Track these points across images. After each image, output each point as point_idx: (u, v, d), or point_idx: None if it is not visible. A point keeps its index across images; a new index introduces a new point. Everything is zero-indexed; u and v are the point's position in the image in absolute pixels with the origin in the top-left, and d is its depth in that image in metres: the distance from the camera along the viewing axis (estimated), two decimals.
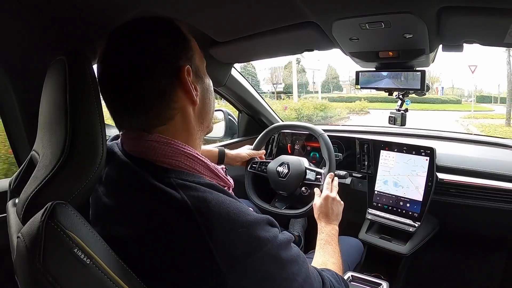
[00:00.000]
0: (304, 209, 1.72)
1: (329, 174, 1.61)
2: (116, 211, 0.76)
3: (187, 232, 0.67)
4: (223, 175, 0.88)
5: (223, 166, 0.93)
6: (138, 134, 0.78)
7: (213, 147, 1.80)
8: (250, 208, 0.78)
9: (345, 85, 41.23)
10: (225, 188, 0.83)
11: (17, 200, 0.80)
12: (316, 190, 1.57)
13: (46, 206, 0.61)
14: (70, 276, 0.58)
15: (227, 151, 1.83)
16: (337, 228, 1.39)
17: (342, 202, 1.50)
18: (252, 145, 2.06)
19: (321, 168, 1.79)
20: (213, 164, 0.85)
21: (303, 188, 1.84)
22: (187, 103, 0.81)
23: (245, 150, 1.97)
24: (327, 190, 1.52)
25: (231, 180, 0.92)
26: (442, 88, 36.20)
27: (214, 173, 0.84)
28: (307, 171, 1.77)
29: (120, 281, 0.63)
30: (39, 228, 0.58)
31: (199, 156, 0.81)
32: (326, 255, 1.22)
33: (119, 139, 0.86)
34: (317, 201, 1.49)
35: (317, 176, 1.73)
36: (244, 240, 0.69)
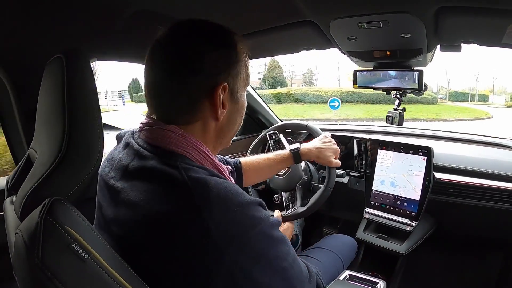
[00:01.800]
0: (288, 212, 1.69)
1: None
2: (122, 193, 0.78)
3: (186, 210, 0.70)
4: (226, 175, 0.90)
5: (229, 166, 0.95)
6: (157, 123, 0.83)
7: (285, 152, 1.55)
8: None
9: (288, 80, 37.52)
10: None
11: (14, 198, 0.80)
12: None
13: (44, 202, 0.62)
14: (69, 271, 0.59)
15: (302, 148, 1.54)
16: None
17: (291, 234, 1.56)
18: (251, 144, 2.04)
19: (319, 171, 1.79)
20: (220, 164, 0.88)
21: (276, 196, 1.83)
22: (211, 116, 0.84)
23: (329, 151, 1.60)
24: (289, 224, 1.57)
25: (233, 182, 0.94)
26: None
27: (219, 171, 0.86)
28: (291, 193, 1.75)
29: (118, 275, 0.64)
30: (37, 223, 0.59)
31: (208, 154, 0.84)
32: None
33: (138, 127, 0.89)
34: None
35: (289, 204, 1.73)
36: (240, 218, 0.72)
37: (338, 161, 1.55)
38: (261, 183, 1.87)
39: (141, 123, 0.87)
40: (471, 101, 30.44)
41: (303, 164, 1.76)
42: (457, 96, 31.93)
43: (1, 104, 1.36)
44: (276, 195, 1.83)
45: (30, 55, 1.21)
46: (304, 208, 1.62)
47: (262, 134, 1.96)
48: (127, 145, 0.87)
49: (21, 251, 0.59)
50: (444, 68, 31.47)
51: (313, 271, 0.95)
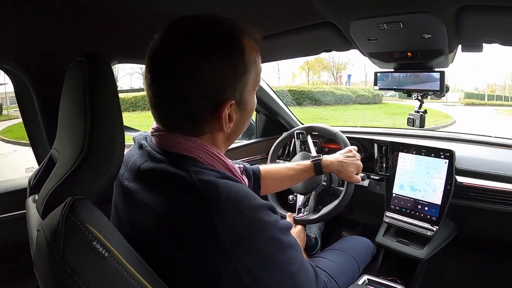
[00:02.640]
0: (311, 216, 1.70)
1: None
2: (137, 194, 0.79)
3: (196, 213, 0.71)
4: (238, 174, 0.89)
5: (241, 165, 0.95)
6: (167, 131, 0.83)
7: (306, 162, 1.53)
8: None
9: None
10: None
11: (36, 197, 0.82)
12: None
13: (66, 200, 0.63)
14: (89, 268, 0.60)
15: (324, 160, 1.51)
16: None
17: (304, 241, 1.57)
18: (271, 146, 2.05)
19: None
20: (231, 163, 0.88)
21: (290, 196, 1.86)
22: (217, 130, 0.83)
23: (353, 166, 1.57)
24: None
25: (246, 181, 0.95)
26: (349, 76, 27.19)
27: (231, 172, 0.86)
28: (306, 196, 1.76)
29: (137, 274, 0.65)
30: (59, 221, 0.60)
31: (220, 156, 0.84)
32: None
33: (150, 132, 0.89)
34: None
35: (300, 208, 1.75)
36: (249, 222, 0.72)
37: (359, 178, 1.54)
38: None
39: (152, 128, 0.87)
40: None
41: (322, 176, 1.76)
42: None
43: (24, 105, 1.39)
44: (291, 195, 1.83)
45: (52, 59, 1.24)
46: (315, 216, 1.64)
47: (290, 131, 1.98)
48: (141, 146, 0.88)
49: (43, 248, 0.60)
50: None
51: (319, 272, 0.94)
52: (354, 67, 30.26)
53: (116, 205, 0.88)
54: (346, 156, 1.52)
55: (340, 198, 1.63)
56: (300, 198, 1.78)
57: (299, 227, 1.55)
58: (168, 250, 0.73)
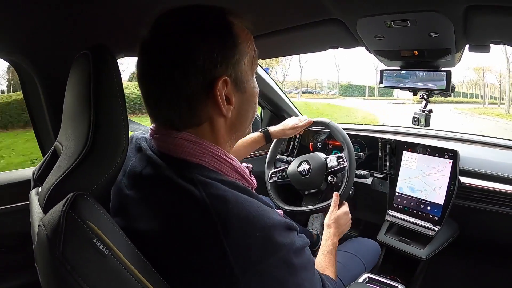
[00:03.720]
0: (326, 202, 1.71)
1: (335, 194, 1.59)
2: (138, 204, 0.77)
3: (203, 230, 0.67)
4: (247, 176, 0.86)
5: (250, 165, 0.92)
6: (167, 131, 0.78)
7: (256, 134, 1.84)
8: (274, 209, 0.78)
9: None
10: (249, 188, 0.81)
11: (40, 189, 0.82)
12: (335, 194, 1.58)
13: (67, 196, 0.63)
14: (89, 265, 0.60)
15: (270, 129, 1.87)
16: (338, 243, 1.40)
17: (350, 224, 1.54)
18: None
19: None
20: (240, 165, 0.83)
21: (329, 178, 1.81)
22: (217, 114, 0.78)
23: (291, 122, 1.94)
24: (346, 207, 1.56)
25: (255, 181, 0.90)
26: (267, 69, 23.47)
27: (240, 174, 0.83)
28: (327, 160, 1.79)
29: (137, 273, 0.64)
30: (60, 218, 0.59)
31: (226, 158, 0.80)
32: (327, 262, 1.22)
33: (148, 133, 0.86)
34: (337, 209, 1.52)
35: (339, 161, 1.75)
36: (260, 244, 0.68)
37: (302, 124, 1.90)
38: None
39: (151, 129, 0.83)
40: (369, 95, 28.63)
41: (323, 155, 1.83)
42: (352, 91, 29.82)
43: (30, 97, 1.40)
44: (329, 177, 1.82)
45: (58, 51, 1.24)
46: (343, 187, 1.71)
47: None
48: (139, 149, 0.84)
49: (43, 243, 0.60)
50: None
51: (327, 284, 0.91)
52: (293, 62, 28.88)
53: (115, 213, 0.82)
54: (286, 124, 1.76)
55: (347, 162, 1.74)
56: (331, 162, 1.81)
57: (341, 210, 1.52)
58: (172, 264, 0.70)
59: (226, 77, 0.74)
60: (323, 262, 1.22)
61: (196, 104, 0.75)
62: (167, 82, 0.74)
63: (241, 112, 0.82)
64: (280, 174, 1.95)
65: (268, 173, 1.99)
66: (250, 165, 0.93)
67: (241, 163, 0.87)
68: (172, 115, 0.77)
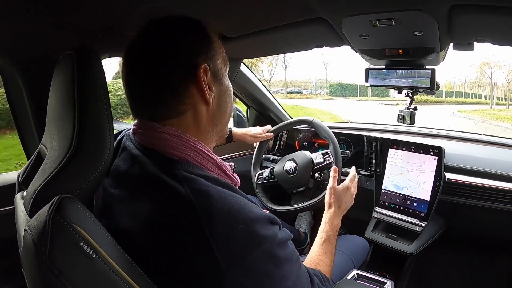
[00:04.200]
0: (314, 200, 1.74)
1: (333, 168, 1.56)
2: (124, 203, 0.77)
3: (189, 226, 0.69)
4: (230, 173, 0.88)
5: (232, 163, 0.94)
6: (150, 125, 0.80)
7: None
8: (255, 203, 0.79)
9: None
10: (231, 184, 0.84)
11: (25, 193, 0.80)
12: (333, 169, 1.55)
13: (53, 199, 0.62)
14: (76, 269, 0.59)
15: (234, 129, 1.92)
16: (340, 223, 1.38)
17: (353, 199, 1.50)
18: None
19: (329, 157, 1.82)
20: (222, 161, 0.86)
21: (316, 174, 1.83)
22: (200, 101, 0.82)
23: (254, 130, 2.03)
24: (350, 181, 1.51)
25: (238, 178, 0.92)
26: None
27: (222, 170, 0.85)
28: (313, 156, 1.81)
29: (125, 275, 0.64)
30: (45, 221, 0.59)
31: (208, 153, 0.82)
32: (322, 254, 1.21)
33: (131, 130, 0.87)
34: (336, 186, 1.46)
35: (325, 157, 1.77)
36: (244, 236, 0.70)
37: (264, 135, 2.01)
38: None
39: (134, 125, 0.86)
40: (362, 95, 28.39)
41: (308, 152, 1.86)
42: (343, 90, 29.50)
43: (14, 100, 1.37)
44: (317, 173, 1.83)
45: (42, 52, 1.22)
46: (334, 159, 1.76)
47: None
48: (124, 149, 0.85)
49: (29, 248, 0.59)
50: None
51: (316, 282, 0.93)
52: (280, 60, 28.90)
53: (99, 214, 0.82)
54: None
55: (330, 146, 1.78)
56: (317, 158, 1.83)
57: (342, 185, 1.48)
58: (159, 261, 0.71)
59: (206, 65, 0.81)
60: (318, 254, 1.21)
61: (181, 90, 0.80)
62: (154, 76, 0.79)
63: (221, 103, 0.88)
64: (267, 175, 1.96)
65: (254, 174, 2.01)
66: (232, 163, 0.95)
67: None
68: (157, 106, 0.81)
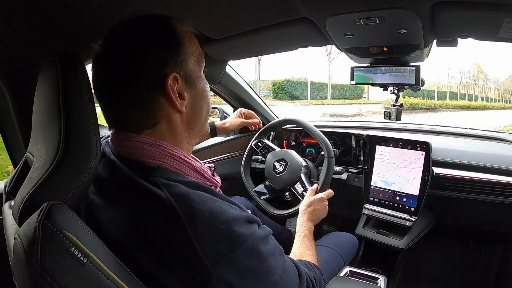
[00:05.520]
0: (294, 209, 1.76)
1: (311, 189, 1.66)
2: (106, 210, 0.77)
3: (172, 230, 0.70)
4: (209, 175, 0.89)
5: (211, 165, 0.95)
6: (126, 134, 0.80)
7: None
8: (235, 205, 0.81)
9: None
10: (212, 187, 0.86)
11: (13, 202, 0.80)
12: (313, 186, 1.65)
13: (42, 206, 0.62)
14: (68, 275, 0.59)
15: (217, 123, 1.84)
16: (313, 228, 1.45)
17: (326, 210, 1.58)
18: (249, 142, 2.09)
19: (318, 168, 1.86)
20: (199, 164, 0.87)
21: (286, 194, 1.88)
22: (172, 111, 0.81)
23: (239, 119, 1.96)
24: (325, 194, 1.60)
25: (219, 179, 0.94)
26: None
27: (200, 173, 0.86)
28: (299, 181, 1.81)
29: (117, 279, 0.64)
30: (35, 228, 0.59)
31: (185, 158, 0.83)
32: (304, 247, 1.27)
33: (109, 138, 0.87)
34: (311, 195, 1.60)
35: (303, 192, 1.76)
36: (226, 236, 0.72)
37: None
38: (268, 192, 1.96)
39: (111, 134, 0.85)
40: (315, 98, 24.74)
41: (299, 156, 1.85)
42: (292, 89, 24.51)
43: None
44: (286, 193, 1.86)
45: (26, 58, 1.20)
46: (320, 185, 1.71)
47: (248, 147, 2.08)
48: (103, 155, 0.84)
49: (20, 256, 0.59)
50: None
51: (303, 271, 0.95)
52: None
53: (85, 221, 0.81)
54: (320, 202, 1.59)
55: (325, 154, 1.77)
56: (297, 187, 1.82)
57: (316, 196, 1.58)
58: (146, 264, 0.71)
59: (175, 74, 0.79)
60: (301, 248, 1.27)
61: (151, 103, 0.78)
62: (121, 89, 0.77)
63: (195, 107, 0.86)
64: (262, 150, 2.03)
65: (252, 191, 2.01)
66: (212, 165, 0.97)
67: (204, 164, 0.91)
68: (129, 119, 0.80)
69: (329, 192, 1.65)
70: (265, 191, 1.96)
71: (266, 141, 2.02)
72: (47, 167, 0.69)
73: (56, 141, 0.70)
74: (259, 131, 2.07)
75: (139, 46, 0.77)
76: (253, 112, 1.90)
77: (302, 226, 1.41)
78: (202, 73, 0.89)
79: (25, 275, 0.58)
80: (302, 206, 1.54)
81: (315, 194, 1.62)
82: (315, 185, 1.70)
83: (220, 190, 0.93)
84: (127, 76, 0.76)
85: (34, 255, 0.57)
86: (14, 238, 0.62)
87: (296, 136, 2.30)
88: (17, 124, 1.30)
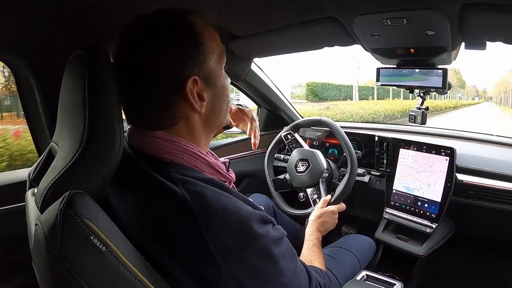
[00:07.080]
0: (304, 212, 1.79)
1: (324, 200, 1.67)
2: (120, 202, 0.79)
3: (186, 225, 0.71)
4: (224, 171, 0.90)
5: (226, 160, 0.96)
6: (143, 130, 0.81)
7: None
8: (250, 203, 0.82)
9: None
10: (226, 182, 0.87)
11: (36, 190, 0.82)
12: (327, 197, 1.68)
13: (64, 195, 0.63)
14: (86, 263, 0.61)
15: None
16: (321, 237, 1.46)
17: (335, 224, 1.60)
18: (273, 140, 2.09)
19: (340, 169, 1.85)
20: (214, 160, 0.87)
21: (301, 194, 1.89)
22: (191, 111, 0.81)
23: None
24: (337, 208, 1.62)
25: (233, 175, 0.94)
26: None
27: (215, 169, 0.86)
28: (315, 187, 1.82)
29: (134, 269, 0.65)
30: (57, 216, 0.60)
31: (201, 154, 0.83)
32: (313, 254, 1.28)
33: (126, 133, 0.88)
34: (323, 206, 1.62)
35: (317, 199, 1.77)
36: (238, 234, 0.73)
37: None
38: (285, 185, 1.96)
39: (128, 129, 0.86)
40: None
41: (323, 160, 1.79)
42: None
43: (26, 98, 1.39)
44: (301, 193, 1.86)
45: (54, 51, 1.23)
46: (334, 198, 1.69)
47: (278, 136, 2.04)
48: None
49: (40, 242, 0.60)
50: None
51: (313, 276, 0.95)
52: None
53: None
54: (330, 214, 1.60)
55: (348, 170, 1.74)
56: (310, 191, 1.82)
57: (328, 208, 1.59)
58: (160, 257, 0.73)
59: (195, 77, 0.78)
60: (310, 255, 1.27)
61: (170, 105, 0.79)
62: (140, 88, 0.78)
63: (214, 106, 0.86)
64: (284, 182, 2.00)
65: (270, 180, 2.02)
66: (227, 160, 0.97)
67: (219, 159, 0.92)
68: (148, 117, 0.81)
69: (341, 206, 1.65)
70: (283, 183, 1.97)
71: (296, 135, 2.00)
72: (71, 156, 0.71)
73: (80, 132, 0.71)
74: (292, 124, 2.06)
75: (156, 49, 0.76)
76: (257, 127, 1.67)
77: (311, 235, 1.41)
78: (223, 70, 0.88)
79: (45, 261, 0.60)
80: (312, 216, 1.55)
81: (327, 205, 1.62)
82: (329, 196, 1.69)
83: (234, 185, 0.94)
84: (145, 78, 0.77)
85: (54, 242, 0.58)
86: (36, 225, 0.63)
87: (320, 136, 2.28)
88: (43, 114, 1.33)
